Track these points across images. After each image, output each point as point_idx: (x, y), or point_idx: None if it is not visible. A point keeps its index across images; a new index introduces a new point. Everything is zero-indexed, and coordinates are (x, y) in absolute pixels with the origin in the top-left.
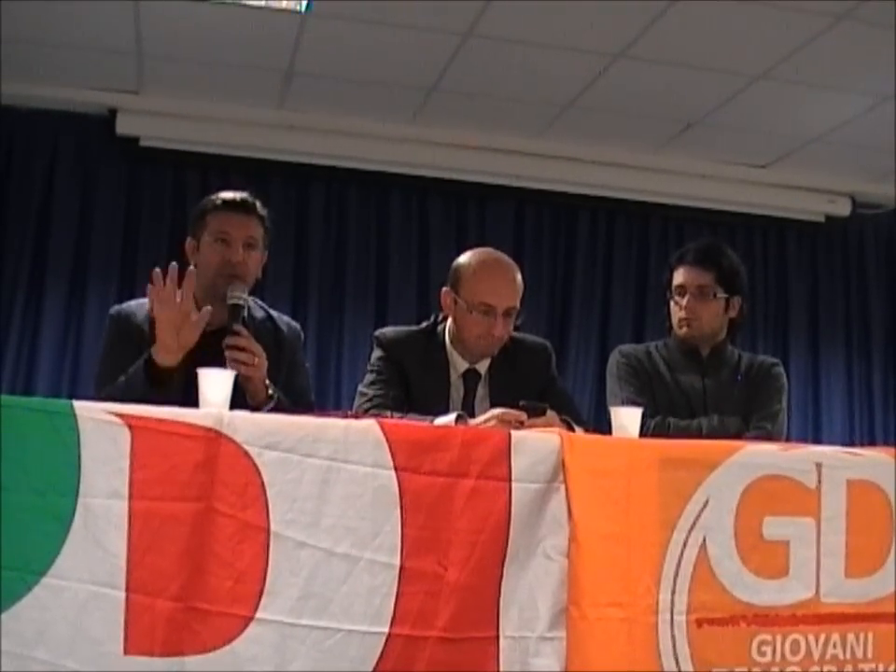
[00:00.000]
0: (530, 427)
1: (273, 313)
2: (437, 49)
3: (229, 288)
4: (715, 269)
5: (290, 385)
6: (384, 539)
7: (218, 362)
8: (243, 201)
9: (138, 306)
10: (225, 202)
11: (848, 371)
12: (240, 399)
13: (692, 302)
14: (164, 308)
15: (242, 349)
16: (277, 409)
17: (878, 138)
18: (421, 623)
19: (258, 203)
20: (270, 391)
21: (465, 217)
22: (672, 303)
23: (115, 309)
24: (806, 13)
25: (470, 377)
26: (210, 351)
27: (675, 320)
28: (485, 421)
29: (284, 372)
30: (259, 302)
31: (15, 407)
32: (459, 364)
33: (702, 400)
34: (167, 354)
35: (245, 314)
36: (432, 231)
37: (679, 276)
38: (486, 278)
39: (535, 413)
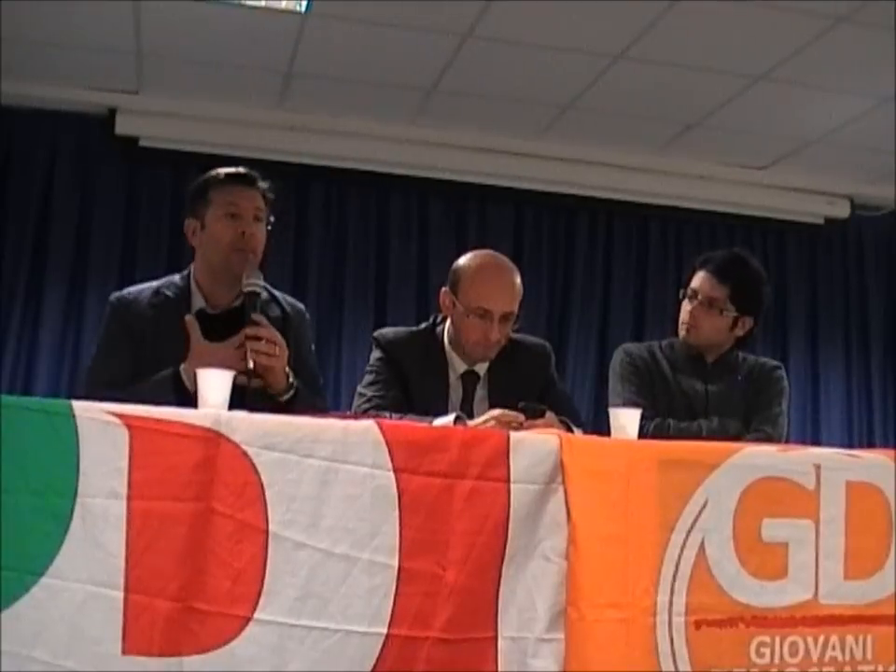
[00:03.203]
0: (529, 428)
1: (277, 293)
2: (437, 49)
3: (244, 275)
4: (731, 285)
5: (298, 371)
6: (382, 540)
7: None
8: (247, 173)
9: (139, 293)
10: (229, 175)
11: (847, 373)
12: (237, 398)
13: (697, 310)
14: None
15: (262, 339)
16: (297, 397)
17: (878, 140)
18: (419, 624)
19: (258, 176)
20: (290, 379)
21: (464, 218)
22: (683, 303)
23: (115, 296)
24: (806, 15)
25: (469, 378)
26: (217, 335)
27: (679, 321)
28: (484, 422)
29: (290, 356)
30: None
31: (14, 407)
32: (458, 365)
33: (703, 403)
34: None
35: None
36: (432, 232)
37: (695, 280)
38: (484, 282)
39: (533, 414)
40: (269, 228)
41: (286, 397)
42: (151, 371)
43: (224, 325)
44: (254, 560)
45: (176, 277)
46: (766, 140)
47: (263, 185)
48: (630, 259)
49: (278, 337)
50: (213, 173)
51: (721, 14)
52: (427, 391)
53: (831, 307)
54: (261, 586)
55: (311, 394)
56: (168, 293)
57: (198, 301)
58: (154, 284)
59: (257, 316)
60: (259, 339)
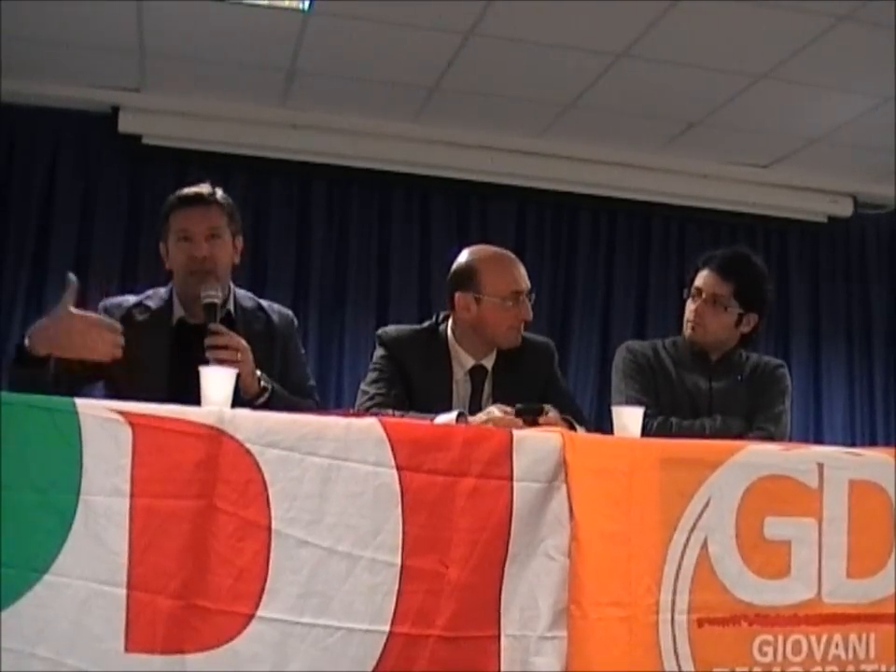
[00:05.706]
0: (530, 427)
1: (264, 302)
2: (439, 47)
3: (201, 288)
4: (735, 281)
5: (286, 375)
6: (385, 538)
7: (200, 358)
8: (197, 194)
9: (122, 300)
10: (180, 198)
11: (850, 372)
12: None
13: (702, 308)
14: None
15: (223, 347)
16: (273, 399)
17: (880, 138)
18: (422, 622)
19: (217, 192)
20: (262, 383)
21: (467, 216)
22: (688, 302)
23: (101, 305)
24: (808, 14)
25: (478, 374)
26: (190, 347)
27: (684, 319)
28: (483, 423)
29: (278, 362)
30: (249, 293)
31: (17, 404)
32: (465, 361)
33: (707, 401)
34: (40, 346)
35: (230, 306)
36: (434, 230)
37: (699, 279)
38: (506, 268)
39: (531, 414)
40: (241, 236)
41: (259, 401)
42: (132, 377)
43: (198, 337)
44: (256, 558)
45: (162, 290)
46: (769, 138)
47: (222, 200)
48: (632, 258)
49: (239, 342)
50: (171, 196)
51: (724, 13)
52: (431, 389)
53: (833, 305)
54: (264, 584)
55: (301, 397)
56: (150, 304)
57: (179, 313)
58: (140, 296)
59: (215, 326)
60: (219, 347)
